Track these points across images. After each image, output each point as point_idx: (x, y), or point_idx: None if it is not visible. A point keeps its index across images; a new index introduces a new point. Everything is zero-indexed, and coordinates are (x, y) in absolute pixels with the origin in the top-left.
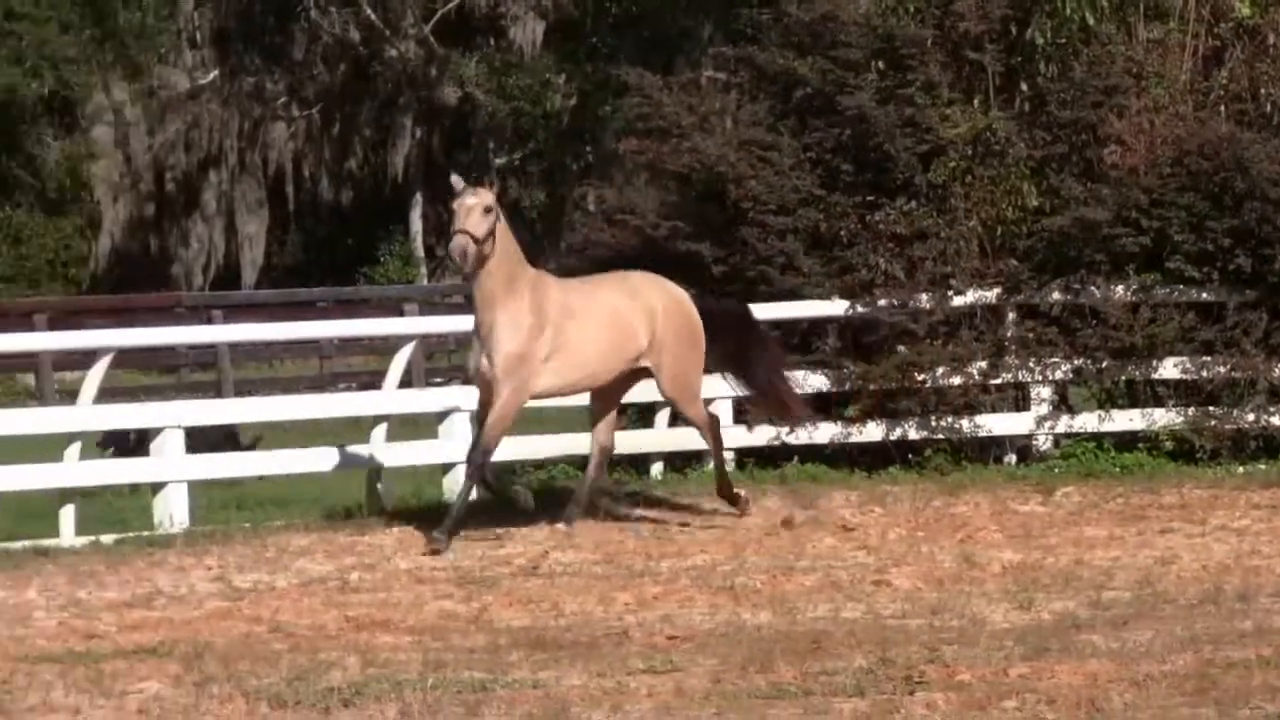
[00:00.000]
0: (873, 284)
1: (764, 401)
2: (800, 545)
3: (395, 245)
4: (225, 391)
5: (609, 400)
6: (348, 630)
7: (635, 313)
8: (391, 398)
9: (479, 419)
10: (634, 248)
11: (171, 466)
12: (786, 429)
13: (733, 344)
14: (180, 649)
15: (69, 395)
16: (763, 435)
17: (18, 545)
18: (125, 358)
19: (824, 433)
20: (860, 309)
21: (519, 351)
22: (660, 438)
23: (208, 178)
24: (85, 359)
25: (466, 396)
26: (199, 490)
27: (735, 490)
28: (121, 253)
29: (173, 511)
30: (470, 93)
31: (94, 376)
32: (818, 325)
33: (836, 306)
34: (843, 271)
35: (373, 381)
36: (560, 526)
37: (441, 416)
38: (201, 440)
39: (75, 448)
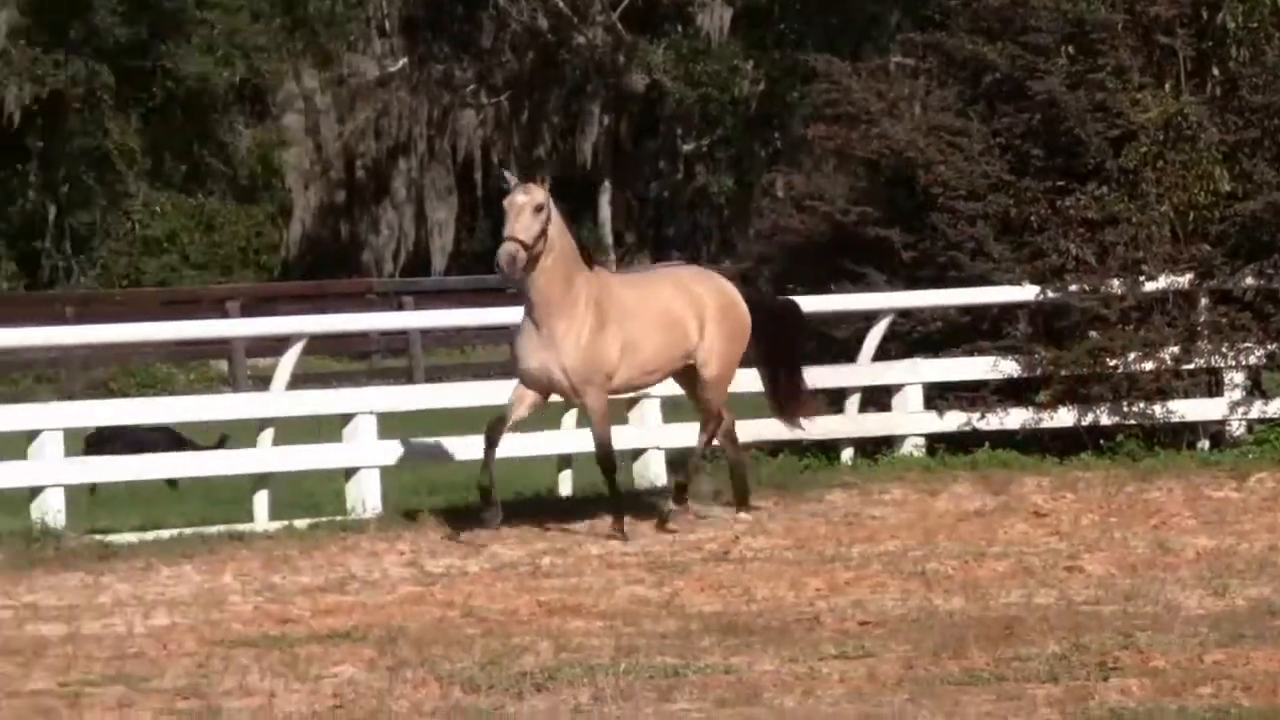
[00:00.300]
0: (1063, 269)
1: (785, 400)
2: (992, 531)
3: (583, 231)
4: (416, 377)
5: (690, 389)
6: (540, 615)
7: (687, 309)
8: None
9: (515, 400)
10: (823, 234)
11: (364, 451)
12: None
13: (776, 340)
14: (374, 633)
15: (262, 381)
16: (953, 421)
17: (213, 530)
18: (317, 344)
19: (1015, 418)
20: (1051, 294)
21: (590, 359)
22: (851, 424)
23: (397, 165)
24: (278, 345)
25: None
26: (391, 475)
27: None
28: (312, 239)
29: (365, 496)
30: (658, 79)
31: (287, 363)
32: (1008, 311)
33: (1027, 292)
34: (1033, 257)
35: None
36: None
37: (631, 403)
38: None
39: (269, 433)
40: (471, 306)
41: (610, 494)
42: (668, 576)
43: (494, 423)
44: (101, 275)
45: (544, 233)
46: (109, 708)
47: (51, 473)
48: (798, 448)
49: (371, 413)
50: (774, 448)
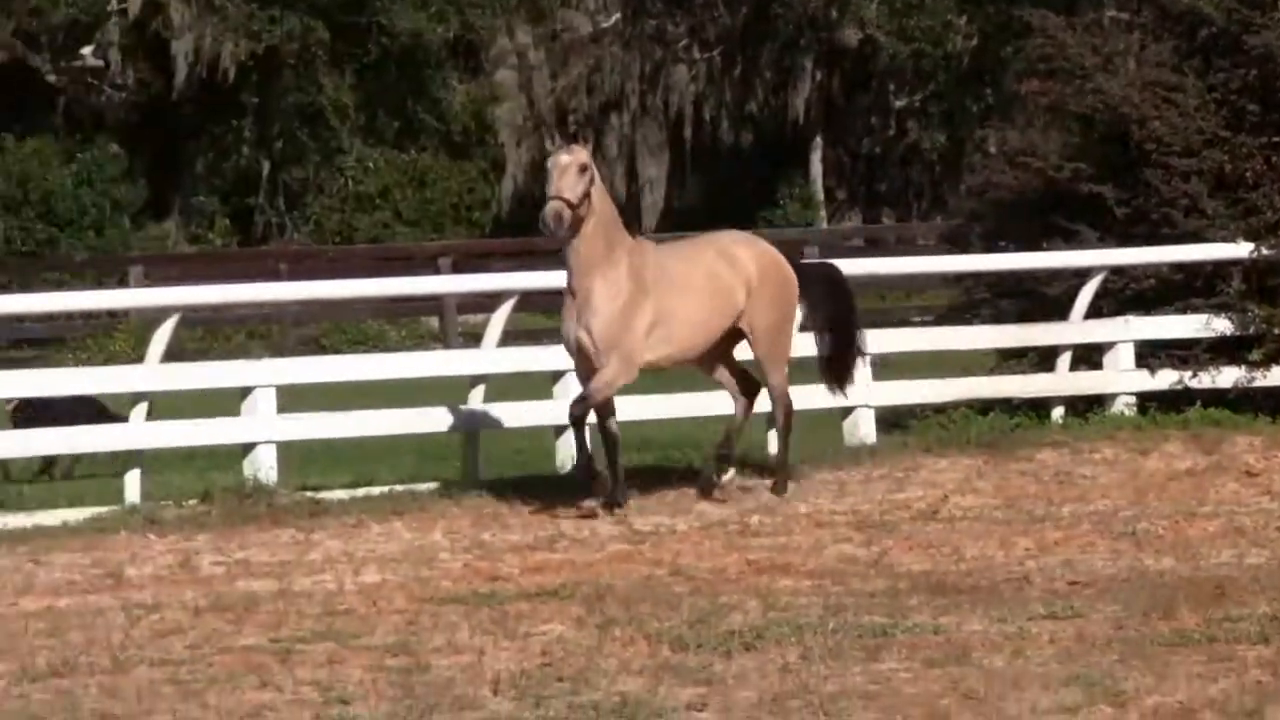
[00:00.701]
0: (1278, 226)
1: (836, 367)
2: (1203, 491)
3: (795, 188)
4: None
5: (726, 363)
6: (748, 574)
7: (732, 275)
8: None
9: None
10: (1035, 190)
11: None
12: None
13: (827, 306)
14: (582, 591)
15: (473, 338)
16: (1165, 380)
17: (424, 487)
18: (527, 300)
19: (1227, 377)
20: (1265, 251)
21: (621, 322)
22: (1062, 382)
23: (609, 121)
24: (489, 302)
25: (882, 340)
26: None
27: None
28: (524, 196)
29: (575, 453)
30: (871, 34)
31: (498, 320)
32: (1221, 268)
33: (1241, 249)
34: (1247, 214)
35: None
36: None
37: None
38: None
39: (479, 390)
40: None
41: (579, 456)
42: (876, 535)
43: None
44: (314, 231)
45: (587, 194)
46: (319, 664)
47: (264, 429)
48: (1008, 406)
49: None
50: (984, 406)
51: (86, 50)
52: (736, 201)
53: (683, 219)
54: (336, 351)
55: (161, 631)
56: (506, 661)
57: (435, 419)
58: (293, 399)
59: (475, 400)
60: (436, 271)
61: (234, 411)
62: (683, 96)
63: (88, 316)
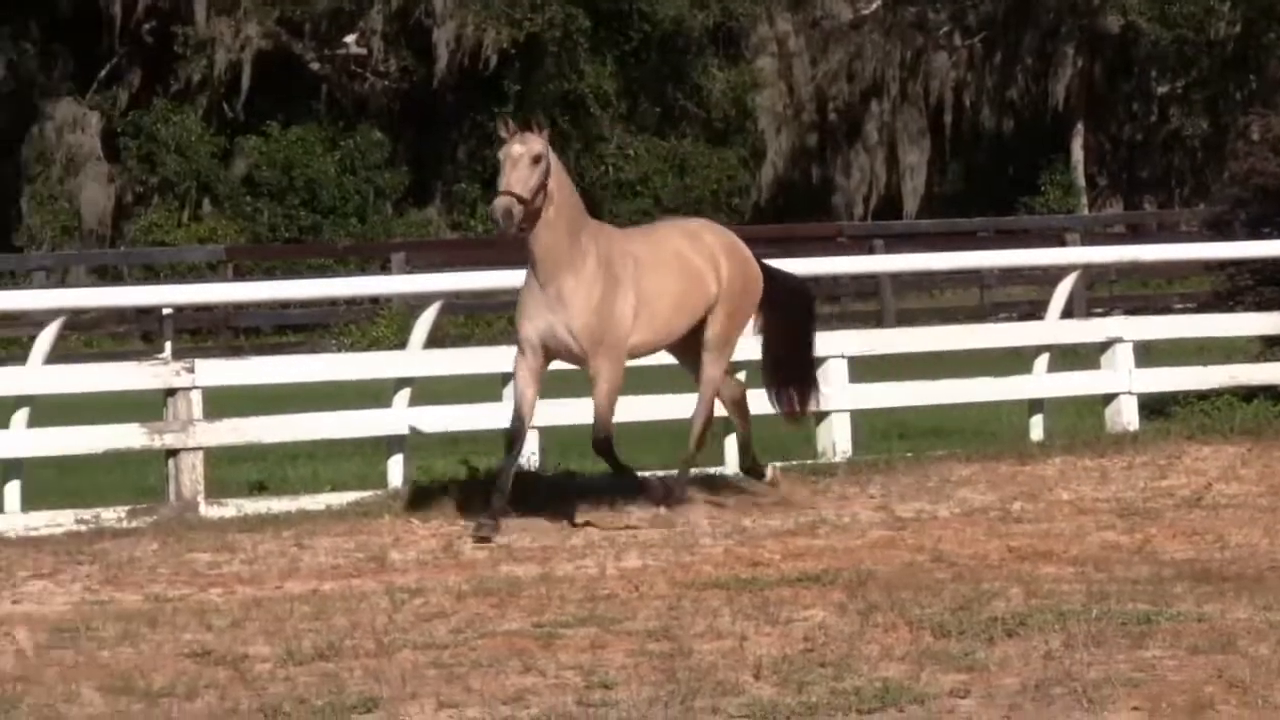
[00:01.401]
0: None
1: (786, 387)
2: None
3: (1056, 174)
4: (886, 321)
5: (695, 353)
6: (1010, 560)
7: (702, 259)
8: (1054, 328)
9: (520, 385)
10: None
11: (835, 395)
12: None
13: (788, 316)
14: (844, 577)
15: None
16: None
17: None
18: None
19: None
20: None
21: (603, 315)
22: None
23: (869, 108)
24: None
25: (1128, 327)
26: (859, 419)
27: (760, 464)
28: (784, 182)
29: (836, 440)
30: (1133, 20)
31: None
32: None
33: None
34: None
35: (1033, 312)
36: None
37: (1104, 347)
38: None
39: (739, 376)
40: (943, 250)
41: (616, 471)
42: (1139, 523)
43: (514, 427)
44: None
45: (543, 186)
46: (581, 649)
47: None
48: (1273, 393)
49: (842, 356)
50: (1248, 393)
51: (350, 38)
52: (997, 188)
53: (943, 206)
54: None
55: (425, 615)
56: (768, 647)
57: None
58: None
59: None
60: None
61: (495, 396)
62: (943, 83)
63: (351, 302)
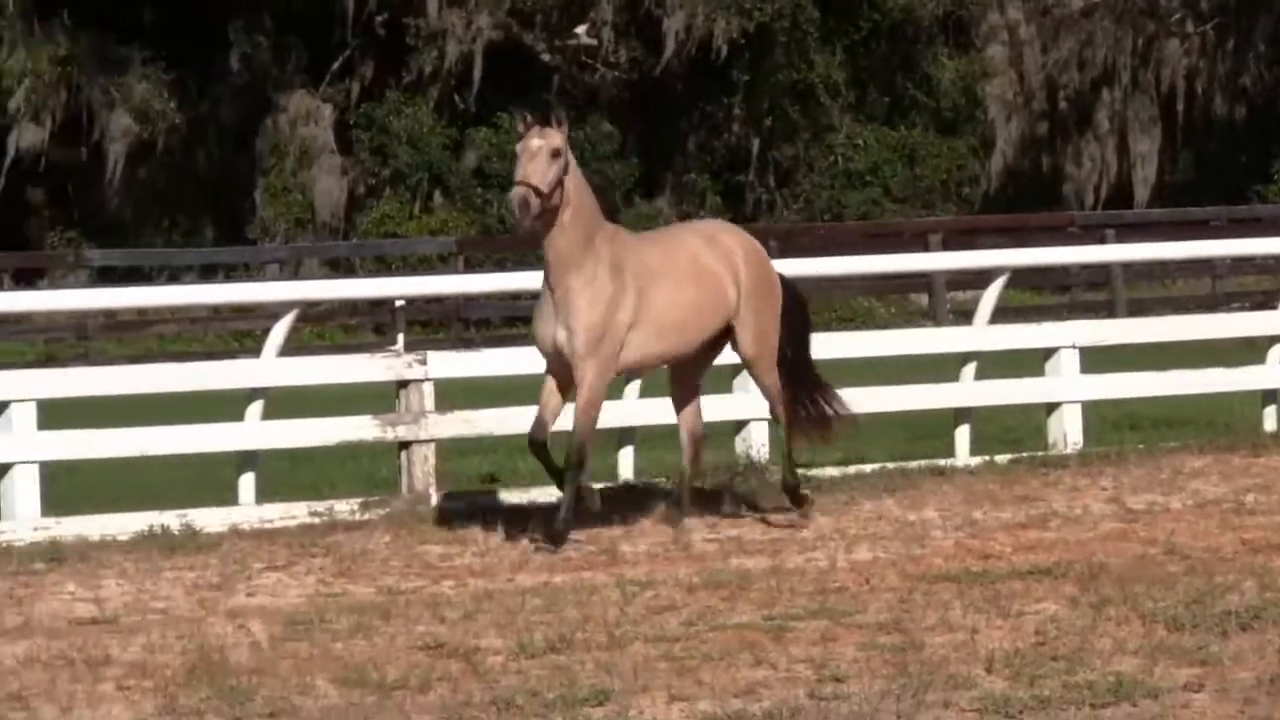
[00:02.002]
0: None
1: (810, 415)
2: None
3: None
4: (1118, 311)
5: (690, 377)
6: (1244, 553)
7: (720, 265)
8: None
9: (544, 395)
10: None
11: (1066, 386)
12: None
13: (797, 331)
14: (1076, 570)
15: (962, 315)
16: None
17: (914, 465)
18: (1017, 277)
19: None
20: None
21: (602, 322)
22: None
23: (1100, 96)
24: (978, 279)
25: None
26: (1093, 410)
27: (803, 490)
28: (1013, 172)
29: (1067, 431)
30: None
31: (989, 296)
32: None
33: None
34: None
35: (1266, 301)
36: (671, 530)
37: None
38: None
39: (971, 367)
40: (1174, 239)
41: (567, 497)
42: None
43: (535, 438)
44: (804, 208)
45: (560, 182)
46: (813, 641)
47: (756, 407)
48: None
49: (1074, 347)
50: None
51: (580, 29)
52: (1229, 176)
53: (1175, 195)
54: (826, 328)
55: (656, 608)
56: (1000, 640)
57: (923, 397)
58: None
59: (966, 377)
60: (926, 248)
61: (725, 389)
62: (1175, 71)
63: None
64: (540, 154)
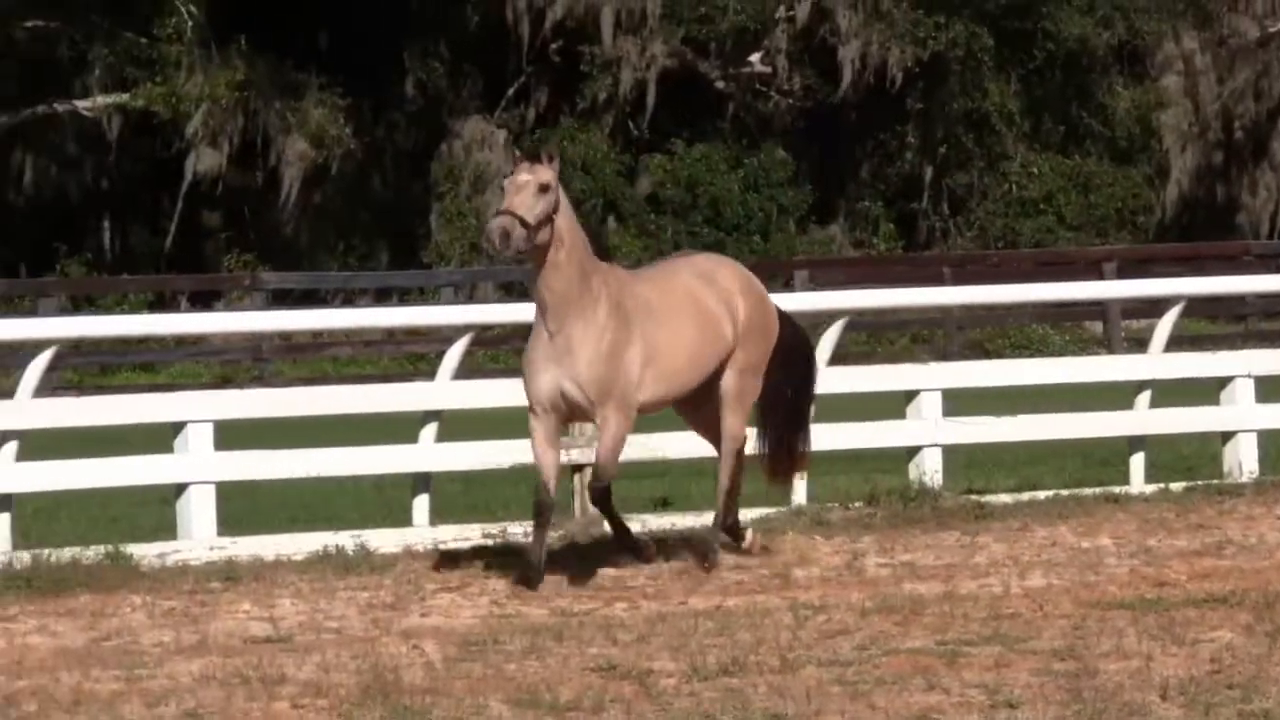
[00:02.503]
0: None
1: (777, 449)
2: None
3: None
4: None
5: (702, 411)
6: None
7: (717, 301)
8: None
9: (539, 449)
10: None
11: (1242, 415)
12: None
13: (791, 370)
14: (1251, 598)
15: (1137, 343)
16: None
17: (1089, 492)
18: (1192, 306)
19: None
20: None
21: (612, 365)
22: None
23: (1276, 126)
24: (1153, 307)
25: None
26: (1269, 438)
27: (741, 525)
28: (1188, 201)
29: (1242, 460)
30: None
31: (1164, 325)
32: None
33: None
34: None
35: None
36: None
37: None
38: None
39: (1145, 396)
40: None
41: (617, 531)
42: None
43: (539, 499)
44: (978, 236)
45: (550, 219)
46: (986, 667)
47: (930, 433)
48: None
49: (1249, 375)
50: None
51: (754, 57)
52: None
53: None
54: (999, 356)
55: (829, 632)
56: (1174, 668)
57: (1097, 424)
58: (958, 403)
59: (1141, 405)
60: (1100, 276)
61: (898, 414)
62: None
63: None
64: (527, 188)
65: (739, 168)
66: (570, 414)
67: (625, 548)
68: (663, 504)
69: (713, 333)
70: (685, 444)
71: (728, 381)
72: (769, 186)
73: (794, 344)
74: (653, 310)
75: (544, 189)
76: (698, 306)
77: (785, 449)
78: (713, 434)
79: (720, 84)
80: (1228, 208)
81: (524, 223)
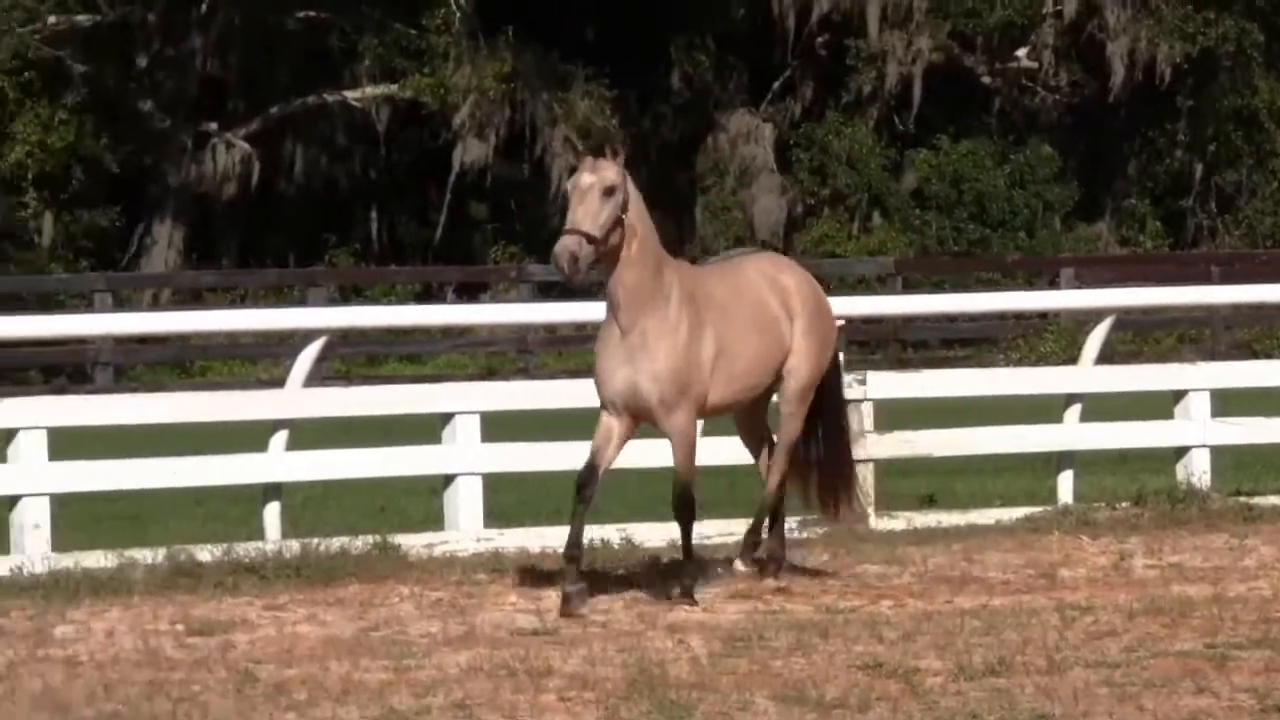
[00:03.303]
0: None
1: (830, 483)
2: None
3: None
4: None
5: (757, 422)
6: None
7: (779, 304)
8: None
9: (600, 441)
10: None
11: None
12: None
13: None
14: None
15: None
16: None
17: None
18: None
19: None
20: None
21: (687, 365)
22: None
23: None
24: None
25: None
26: None
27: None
28: None
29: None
30: None
31: None
32: None
33: None
34: None
35: None
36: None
37: None
38: None
39: None
40: None
41: (684, 549)
42: None
43: (584, 476)
44: (1246, 235)
45: (619, 221)
46: (1256, 671)
47: (1198, 433)
48: None
49: None
50: None
51: (1021, 52)
52: None
53: None
54: (1267, 356)
55: (1095, 634)
56: None
57: None
58: (1226, 404)
59: None
60: None
61: (1166, 414)
62: None
63: (1019, 317)
64: (592, 193)
65: (1005, 163)
66: (639, 415)
67: (683, 571)
68: (929, 501)
69: (774, 335)
70: (952, 441)
71: (792, 385)
72: (1035, 183)
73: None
74: (723, 307)
75: (609, 191)
76: (762, 307)
77: (831, 467)
78: (754, 440)
79: (986, 79)
80: None
81: (590, 238)
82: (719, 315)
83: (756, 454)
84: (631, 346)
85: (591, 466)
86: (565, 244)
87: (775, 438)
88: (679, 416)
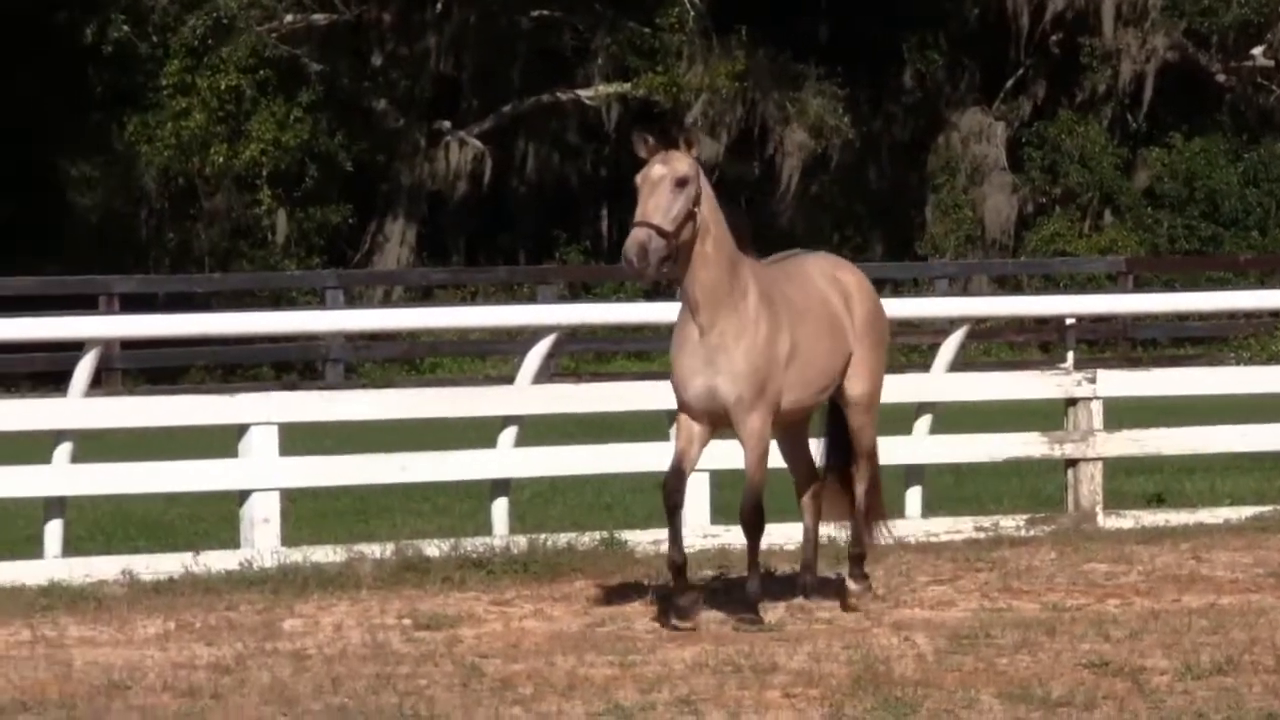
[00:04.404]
0: None
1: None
2: None
3: None
4: None
5: (803, 432)
6: None
7: (841, 305)
8: None
9: (685, 446)
10: None
11: None
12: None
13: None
14: None
15: None
16: None
17: None
18: None
19: None
20: None
21: (765, 365)
22: None
23: None
24: None
25: None
26: None
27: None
28: None
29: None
30: None
31: None
32: None
33: None
34: None
35: None
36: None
37: None
38: None
39: None
40: None
41: (750, 561)
42: None
43: (671, 482)
44: None
45: (691, 215)
46: None
47: None
48: None
49: None
50: None
51: (1256, 50)
52: None
53: None
54: None
55: None
56: None
57: None
58: None
59: None
60: None
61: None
62: None
63: (1250, 316)
64: (662, 185)
65: (1238, 162)
66: (716, 418)
67: (750, 588)
68: (1157, 500)
69: (841, 336)
70: (1181, 440)
71: (858, 390)
72: (1269, 181)
73: None
74: (796, 307)
75: (681, 183)
76: (828, 308)
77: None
78: (800, 465)
79: (1221, 77)
80: None
81: (661, 231)
82: (794, 315)
83: (801, 481)
84: (709, 348)
85: (678, 471)
86: (635, 237)
87: (818, 464)
88: (755, 419)
